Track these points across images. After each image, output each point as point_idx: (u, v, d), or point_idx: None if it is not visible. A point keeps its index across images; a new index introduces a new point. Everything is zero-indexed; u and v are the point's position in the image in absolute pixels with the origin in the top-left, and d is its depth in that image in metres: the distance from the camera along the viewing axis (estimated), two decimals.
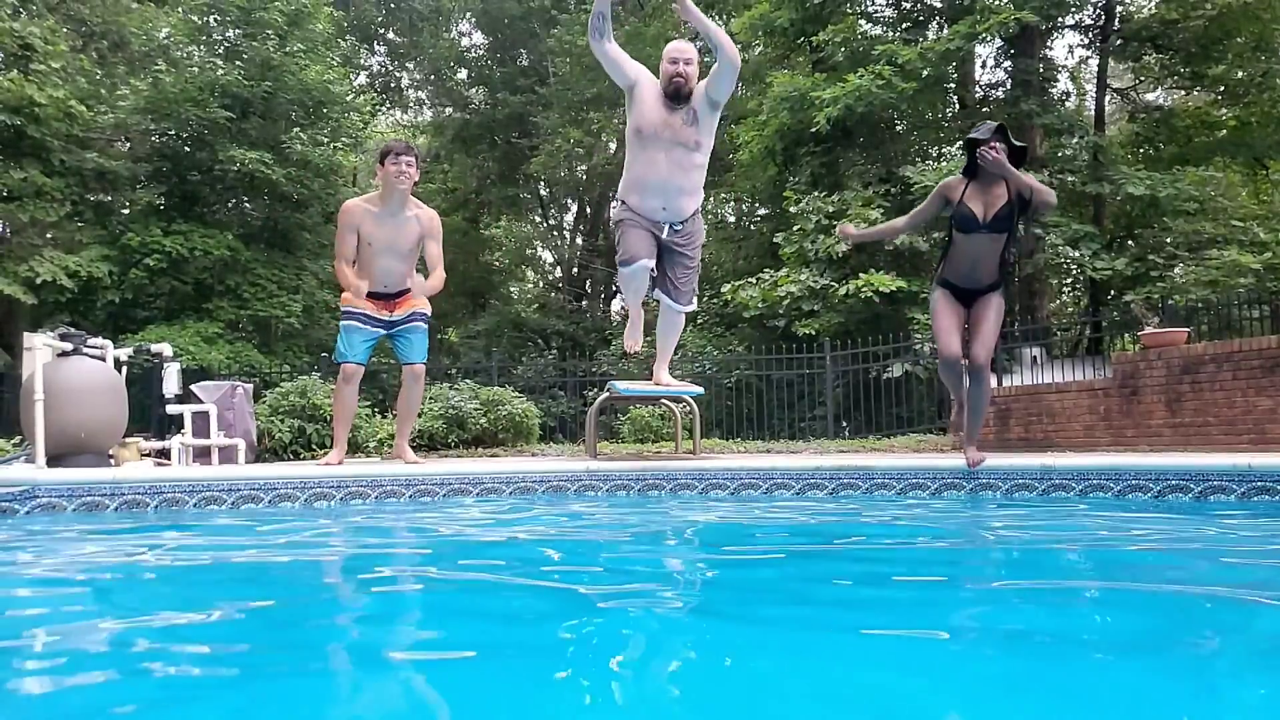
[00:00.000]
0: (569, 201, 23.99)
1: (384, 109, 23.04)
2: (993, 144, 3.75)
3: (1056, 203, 4.04)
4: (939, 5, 13.78)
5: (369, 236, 4.44)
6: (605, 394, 6.43)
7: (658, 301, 4.60)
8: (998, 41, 12.58)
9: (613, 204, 4.21)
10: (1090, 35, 13.47)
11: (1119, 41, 12.81)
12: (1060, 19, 12.36)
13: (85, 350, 5.32)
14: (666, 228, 4.23)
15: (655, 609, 1.62)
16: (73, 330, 5.59)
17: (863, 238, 4.81)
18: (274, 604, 1.74)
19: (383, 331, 4.55)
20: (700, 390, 5.39)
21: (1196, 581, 1.89)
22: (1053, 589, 1.85)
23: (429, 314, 4.68)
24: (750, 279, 11.92)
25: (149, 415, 8.50)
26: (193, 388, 6.69)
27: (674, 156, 4.05)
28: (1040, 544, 2.53)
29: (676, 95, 3.99)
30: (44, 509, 3.31)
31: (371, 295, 4.51)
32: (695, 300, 4.50)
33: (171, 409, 6.33)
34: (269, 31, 13.17)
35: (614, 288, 22.81)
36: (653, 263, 4.11)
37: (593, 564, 2.28)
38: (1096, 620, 1.56)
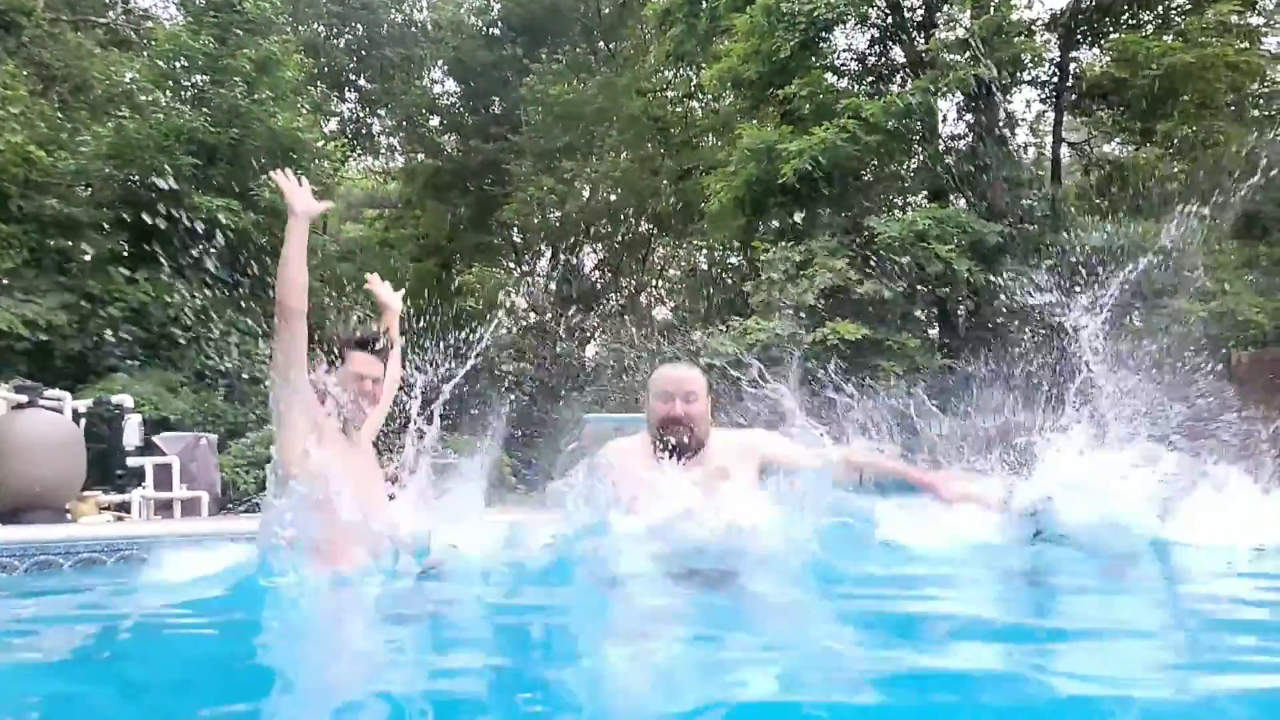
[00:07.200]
0: (542, 247, 24.12)
1: (355, 155, 23.10)
2: None
3: None
4: (902, 60, 14.21)
5: (331, 463, 2.48)
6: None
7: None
8: (959, 96, 12.97)
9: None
10: (1047, 91, 13.96)
11: (1074, 97, 13.30)
12: (1018, 74, 12.81)
13: (41, 402, 5.18)
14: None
15: None
16: (28, 382, 5.46)
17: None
18: None
19: None
20: None
21: None
22: None
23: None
24: (720, 326, 12.02)
25: (110, 468, 8.27)
26: (156, 439, 6.54)
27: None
28: None
29: (676, 450, 2.60)
30: None
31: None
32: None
33: (133, 461, 6.18)
34: (237, 78, 13.17)
35: (588, 333, 22.80)
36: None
37: None
38: None
